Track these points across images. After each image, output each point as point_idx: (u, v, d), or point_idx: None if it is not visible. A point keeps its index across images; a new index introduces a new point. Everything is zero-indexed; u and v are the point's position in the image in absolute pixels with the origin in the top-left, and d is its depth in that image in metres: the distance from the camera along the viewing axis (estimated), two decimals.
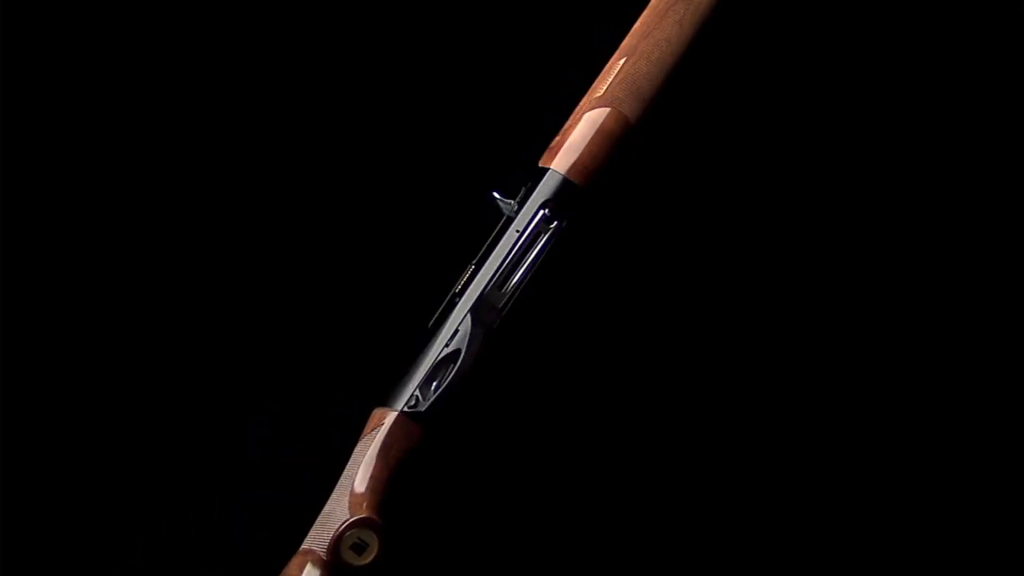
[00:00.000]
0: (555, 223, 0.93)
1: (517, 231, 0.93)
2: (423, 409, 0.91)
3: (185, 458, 1.26)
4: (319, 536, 0.91)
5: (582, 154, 0.92)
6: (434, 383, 0.92)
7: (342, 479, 0.93)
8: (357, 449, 0.94)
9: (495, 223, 0.98)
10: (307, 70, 1.28)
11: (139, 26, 1.29)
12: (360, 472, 0.92)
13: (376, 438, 0.92)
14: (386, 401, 0.94)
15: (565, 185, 0.93)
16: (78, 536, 1.26)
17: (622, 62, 0.94)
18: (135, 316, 1.28)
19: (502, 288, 0.93)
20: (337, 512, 0.91)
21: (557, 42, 1.19)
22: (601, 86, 0.94)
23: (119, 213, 1.29)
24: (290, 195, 1.28)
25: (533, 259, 0.93)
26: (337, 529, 0.90)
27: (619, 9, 1.06)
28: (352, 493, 0.91)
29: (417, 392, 0.92)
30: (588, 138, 0.93)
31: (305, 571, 0.92)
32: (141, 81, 1.29)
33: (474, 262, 0.96)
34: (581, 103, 0.96)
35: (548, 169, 0.93)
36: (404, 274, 1.21)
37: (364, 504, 0.90)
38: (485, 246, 0.96)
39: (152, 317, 1.28)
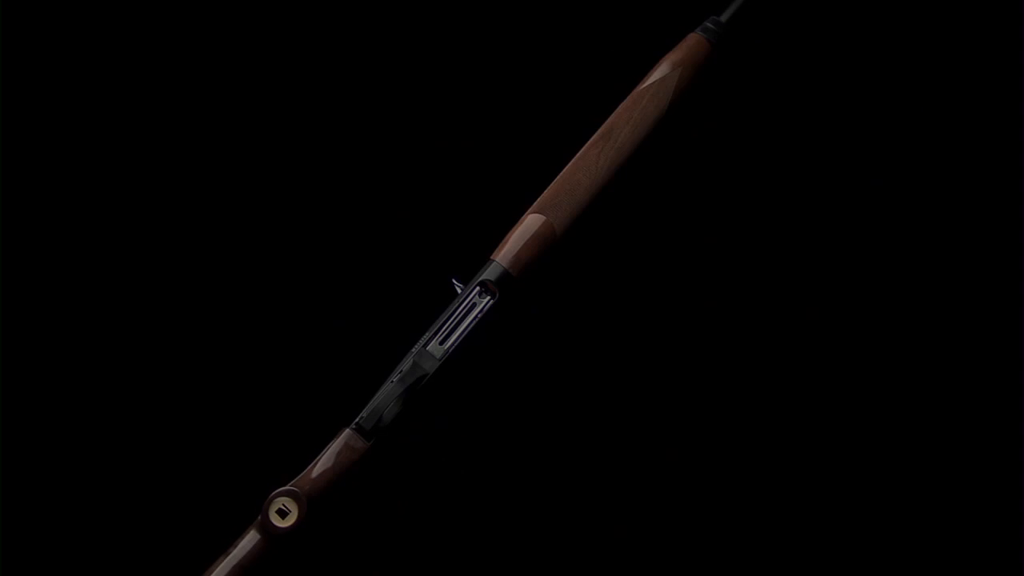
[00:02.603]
0: (487, 299, 1.18)
1: (460, 301, 1.18)
2: (368, 428, 1.16)
3: (185, 458, 1.27)
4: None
5: (513, 247, 1.18)
6: (378, 409, 1.16)
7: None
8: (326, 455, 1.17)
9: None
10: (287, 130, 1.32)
11: (142, 27, 1.32)
12: (315, 468, 1.15)
13: (331, 446, 1.16)
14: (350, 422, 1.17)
15: (504, 274, 1.18)
16: (78, 536, 1.26)
17: (554, 181, 1.20)
18: (135, 317, 1.29)
19: (443, 342, 1.17)
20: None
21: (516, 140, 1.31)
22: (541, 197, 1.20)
23: (120, 215, 1.30)
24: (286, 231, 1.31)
25: (469, 323, 1.17)
26: (269, 495, 1.13)
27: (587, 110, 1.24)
28: (300, 479, 1.15)
29: (364, 414, 1.16)
30: (519, 237, 1.19)
31: (250, 532, 1.14)
32: (143, 83, 1.32)
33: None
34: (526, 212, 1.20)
35: (492, 260, 1.18)
36: (385, 327, 1.28)
37: (305, 488, 1.14)
38: None
39: (152, 318, 1.29)
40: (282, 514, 1.12)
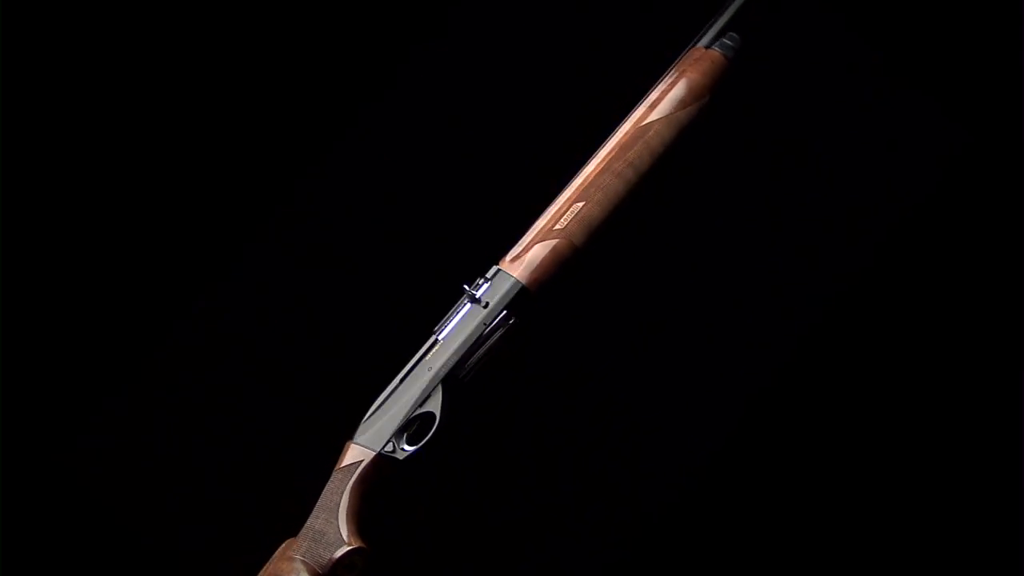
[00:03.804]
0: (511, 320, 1.15)
1: (485, 324, 1.15)
2: (401, 458, 1.14)
3: (186, 458, 1.27)
4: (312, 551, 1.12)
5: (538, 270, 1.15)
6: (405, 433, 1.14)
7: (326, 501, 1.14)
8: (338, 477, 1.14)
9: (454, 299, 1.17)
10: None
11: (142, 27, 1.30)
12: (345, 501, 1.13)
13: (357, 472, 1.13)
14: (359, 437, 1.14)
15: (523, 291, 1.15)
16: (78, 536, 1.26)
17: (580, 205, 1.16)
18: (136, 317, 1.29)
19: (465, 363, 1.14)
20: (330, 535, 1.12)
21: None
22: (560, 220, 1.16)
23: (121, 217, 1.30)
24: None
25: (491, 345, 1.15)
26: (336, 554, 1.12)
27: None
28: (341, 520, 1.13)
29: (393, 440, 1.13)
30: (543, 259, 1.16)
31: (301, 572, 1.12)
32: (143, 84, 1.30)
33: (437, 335, 1.16)
34: (542, 227, 1.17)
35: (513, 278, 1.15)
36: (383, 329, 1.30)
37: (352, 532, 1.12)
38: (450, 323, 1.16)
39: (153, 318, 1.29)
40: (349, 568, 1.13)
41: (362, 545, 1.11)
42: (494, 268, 1.17)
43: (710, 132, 1.27)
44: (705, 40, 1.19)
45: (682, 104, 1.17)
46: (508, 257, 1.16)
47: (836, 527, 1.24)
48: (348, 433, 1.15)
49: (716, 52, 1.18)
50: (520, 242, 1.17)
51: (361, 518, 1.13)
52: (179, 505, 1.27)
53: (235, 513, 1.27)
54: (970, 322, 1.26)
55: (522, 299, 1.15)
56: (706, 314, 1.27)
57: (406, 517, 1.24)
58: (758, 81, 1.28)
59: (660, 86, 1.18)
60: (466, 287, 1.15)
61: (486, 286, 1.15)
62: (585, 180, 1.17)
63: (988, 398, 1.25)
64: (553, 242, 1.15)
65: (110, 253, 1.29)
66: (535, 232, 1.17)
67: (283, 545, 1.13)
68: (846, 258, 1.26)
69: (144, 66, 1.29)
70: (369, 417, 1.14)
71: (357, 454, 1.14)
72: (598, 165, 1.17)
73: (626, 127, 1.18)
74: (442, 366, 1.14)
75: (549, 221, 1.16)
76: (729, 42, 1.18)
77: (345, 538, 1.11)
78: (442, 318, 1.17)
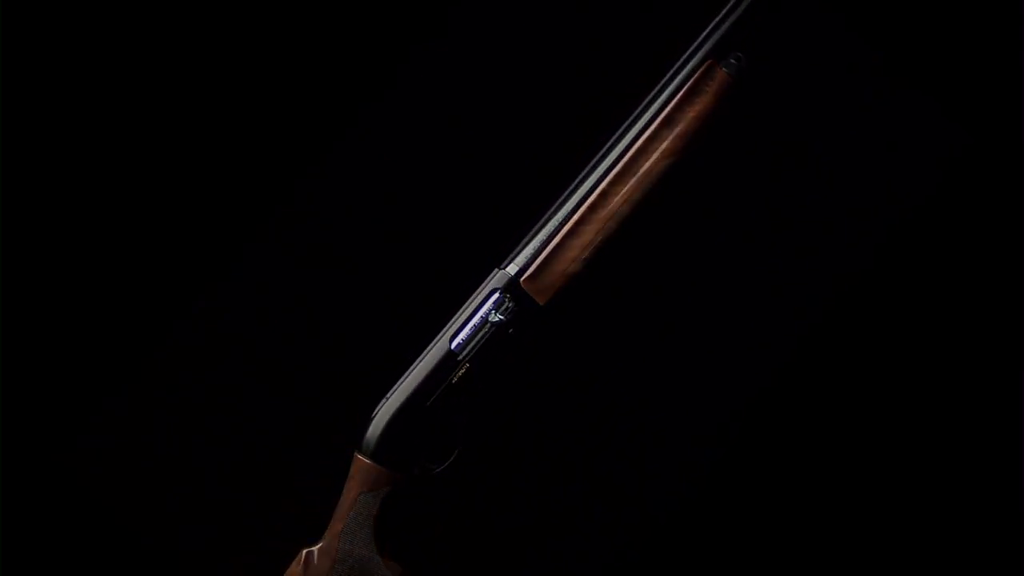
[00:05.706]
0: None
1: (515, 355, 1.17)
2: (428, 478, 1.16)
3: (186, 458, 1.27)
4: None
5: (559, 297, 1.17)
6: (423, 456, 1.16)
7: (357, 525, 1.14)
8: (369, 500, 1.15)
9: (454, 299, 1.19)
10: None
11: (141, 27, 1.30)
12: (377, 526, 1.14)
13: (386, 494, 1.14)
14: (385, 456, 1.15)
15: (539, 311, 1.17)
16: (78, 536, 1.26)
17: (602, 238, 1.17)
18: (136, 317, 1.29)
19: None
20: (376, 569, 1.14)
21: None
22: (584, 251, 1.17)
23: (122, 218, 1.29)
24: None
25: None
26: None
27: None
28: (380, 551, 1.14)
29: (422, 462, 1.15)
30: (566, 288, 1.17)
31: None
32: (143, 85, 1.30)
33: (452, 346, 1.16)
34: (570, 260, 1.17)
35: (540, 306, 1.17)
36: (383, 329, 1.29)
37: (391, 561, 1.14)
38: (472, 340, 1.17)
39: (153, 318, 1.29)
40: None
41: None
42: (517, 284, 1.17)
43: (708, 132, 1.27)
44: (710, 46, 1.18)
45: (701, 139, 1.18)
46: (532, 281, 1.17)
47: (841, 526, 1.25)
48: (351, 437, 1.16)
49: (727, 75, 1.18)
50: (548, 272, 1.17)
51: (390, 541, 1.15)
52: (179, 505, 1.27)
53: (235, 513, 1.27)
54: (970, 323, 1.26)
55: (536, 317, 1.18)
56: (706, 314, 1.27)
57: (411, 525, 1.24)
58: (758, 81, 1.28)
59: (681, 112, 1.18)
60: (498, 316, 1.17)
61: (510, 308, 1.17)
62: (609, 213, 1.17)
63: (989, 399, 1.25)
64: (576, 272, 1.17)
65: (110, 253, 1.28)
66: (563, 267, 1.17)
67: (306, 561, 1.15)
68: (846, 259, 1.26)
69: (144, 66, 1.29)
70: (391, 434, 1.15)
71: (386, 477, 1.15)
72: (623, 198, 1.18)
73: (651, 159, 1.18)
74: (478, 398, 1.16)
75: (575, 253, 1.17)
76: (735, 61, 1.17)
77: (391, 572, 1.14)
78: (450, 321, 1.17)
